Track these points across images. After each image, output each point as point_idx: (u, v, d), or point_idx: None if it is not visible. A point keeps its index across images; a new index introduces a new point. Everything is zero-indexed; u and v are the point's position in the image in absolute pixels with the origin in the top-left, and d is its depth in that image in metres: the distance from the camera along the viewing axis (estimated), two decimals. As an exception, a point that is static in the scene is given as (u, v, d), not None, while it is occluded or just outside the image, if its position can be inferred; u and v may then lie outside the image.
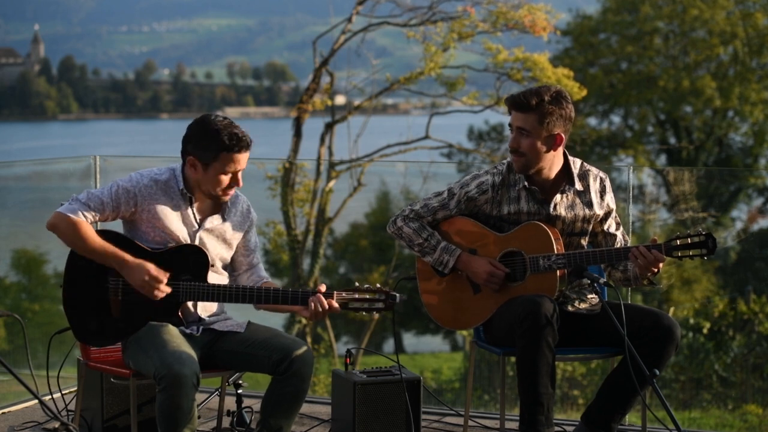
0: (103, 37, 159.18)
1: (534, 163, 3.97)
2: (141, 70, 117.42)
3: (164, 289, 3.63)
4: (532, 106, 3.90)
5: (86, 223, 3.65)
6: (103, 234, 3.71)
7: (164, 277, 3.63)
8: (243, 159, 3.73)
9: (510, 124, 3.99)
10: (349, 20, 13.39)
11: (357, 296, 3.71)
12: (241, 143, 3.69)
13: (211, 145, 3.68)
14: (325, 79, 13.39)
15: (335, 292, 3.70)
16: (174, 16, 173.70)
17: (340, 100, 15.90)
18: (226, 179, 3.72)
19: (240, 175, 3.75)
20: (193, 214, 3.79)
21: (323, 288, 3.69)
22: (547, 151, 3.96)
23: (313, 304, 3.65)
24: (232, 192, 3.78)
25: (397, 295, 3.71)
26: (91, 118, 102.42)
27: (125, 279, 3.65)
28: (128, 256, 3.64)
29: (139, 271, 3.62)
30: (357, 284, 3.73)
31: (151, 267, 3.62)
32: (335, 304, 3.68)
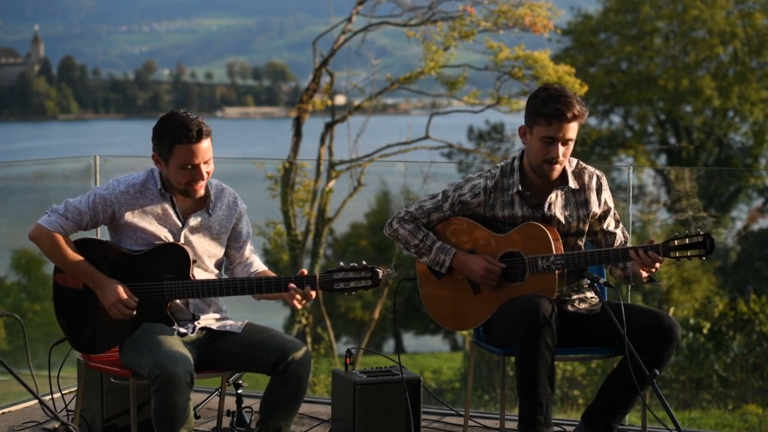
0: (103, 37, 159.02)
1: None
2: (141, 70, 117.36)
3: (130, 314, 3.67)
4: (581, 113, 3.89)
5: (64, 237, 3.69)
6: (82, 243, 3.73)
7: (133, 302, 3.66)
8: (199, 151, 3.62)
9: (550, 136, 3.86)
10: (349, 20, 13.39)
11: (341, 275, 3.66)
12: (189, 134, 3.60)
13: (165, 140, 3.65)
14: (325, 79, 13.41)
15: (318, 274, 3.67)
16: (174, 16, 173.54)
17: (340, 100, 15.90)
18: (186, 173, 3.66)
19: (203, 167, 3.65)
20: (176, 213, 3.77)
21: (305, 272, 3.67)
22: None
23: (291, 291, 3.64)
24: (200, 186, 3.69)
25: (380, 270, 3.66)
26: (91, 118, 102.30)
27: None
28: (101, 276, 3.67)
29: (110, 293, 3.65)
30: (341, 264, 3.69)
31: (121, 291, 3.65)
32: (312, 293, 3.64)
